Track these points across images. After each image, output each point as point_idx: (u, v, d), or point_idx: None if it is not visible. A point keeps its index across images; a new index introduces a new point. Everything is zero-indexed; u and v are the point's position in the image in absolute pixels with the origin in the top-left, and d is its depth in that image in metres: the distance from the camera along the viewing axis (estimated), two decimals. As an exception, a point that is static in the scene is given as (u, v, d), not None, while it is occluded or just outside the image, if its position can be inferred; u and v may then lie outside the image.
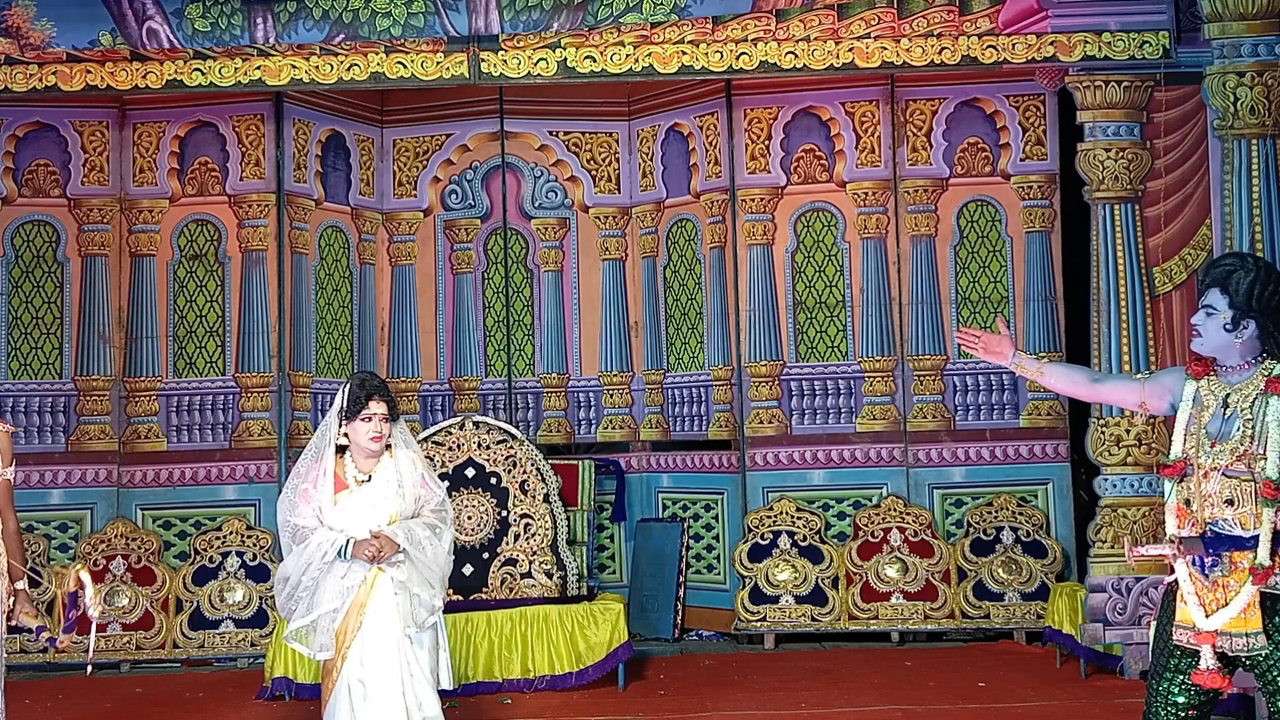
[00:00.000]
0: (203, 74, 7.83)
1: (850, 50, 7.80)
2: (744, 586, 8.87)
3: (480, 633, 7.53)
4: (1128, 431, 7.69)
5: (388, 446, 5.18)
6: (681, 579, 9.27)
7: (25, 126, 9.13)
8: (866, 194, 9.29)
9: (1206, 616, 3.86)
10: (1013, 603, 8.65)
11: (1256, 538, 3.82)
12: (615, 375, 9.95)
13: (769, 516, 9.01)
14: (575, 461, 9.15)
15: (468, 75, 7.90)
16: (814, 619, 8.77)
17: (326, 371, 9.50)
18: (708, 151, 9.53)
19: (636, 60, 7.84)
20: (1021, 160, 9.16)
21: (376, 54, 7.83)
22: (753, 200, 9.33)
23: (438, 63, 7.87)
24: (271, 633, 7.95)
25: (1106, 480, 7.74)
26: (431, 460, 7.87)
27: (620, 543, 9.73)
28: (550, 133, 10.00)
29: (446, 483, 6.87)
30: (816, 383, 9.29)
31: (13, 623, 5.25)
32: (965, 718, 6.75)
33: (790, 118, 9.34)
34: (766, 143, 9.35)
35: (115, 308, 9.26)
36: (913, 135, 9.25)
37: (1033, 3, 7.75)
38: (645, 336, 9.93)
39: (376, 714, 4.95)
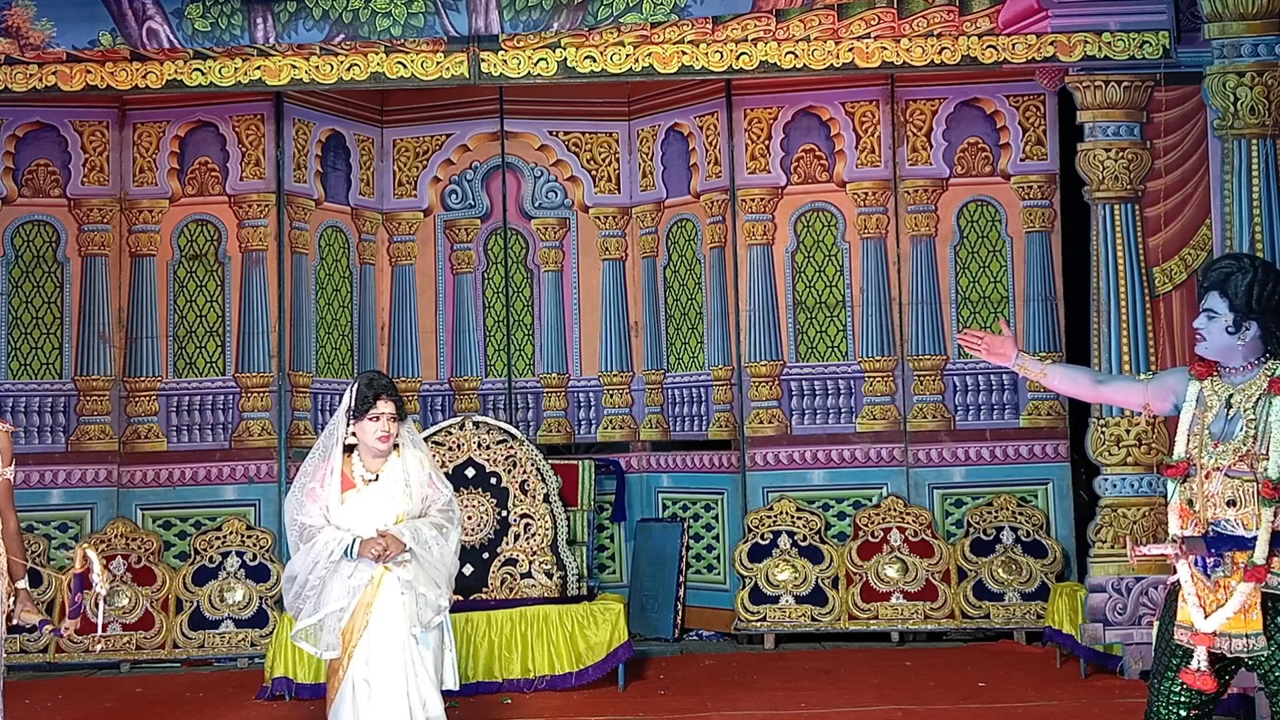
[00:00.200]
0: (203, 74, 7.83)
1: (850, 50, 7.80)
2: (744, 586, 8.87)
3: (480, 633, 7.54)
4: (1128, 431, 7.69)
5: (395, 446, 5.18)
6: (681, 579, 9.27)
7: (25, 126, 9.13)
8: (866, 194, 9.29)
9: (1205, 617, 3.87)
10: (1013, 603, 8.65)
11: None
12: (615, 375, 9.95)
13: (769, 516, 9.01)
14: (575, 461, 9.13)
15: (468, 75, 7.90)
16: (814, 619, 8.77)
17: (326, 371, 9.49)
18: (708, 151, 9.52)
19: (636, 60, 7.84)
20: (1021, 160, 9.16)
21: (376, 54, 7.83)
22: (753, 200, 9.33)
23: (438, 63, 7.86)
24: (271, 633, 7.95)
25: (1106, 480, 7.74)
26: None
27: (620, 543, 9.72)
28: (550, 133, 10.00)
29: (447, 483, 6.87)
30: (816, 383, 9.29)
31: (14, 622, 5.25)
32: (965, 718, 6.75)
33: (790, 118, 9.34)
34: (766, 143, 9.35)
35: (115, 308, 9.25)
36: (913, 135, 9.25)
37: (1033, 3, 7.74)
38: (645, 336, 9.93)
39: (380, 713, 4.95)
